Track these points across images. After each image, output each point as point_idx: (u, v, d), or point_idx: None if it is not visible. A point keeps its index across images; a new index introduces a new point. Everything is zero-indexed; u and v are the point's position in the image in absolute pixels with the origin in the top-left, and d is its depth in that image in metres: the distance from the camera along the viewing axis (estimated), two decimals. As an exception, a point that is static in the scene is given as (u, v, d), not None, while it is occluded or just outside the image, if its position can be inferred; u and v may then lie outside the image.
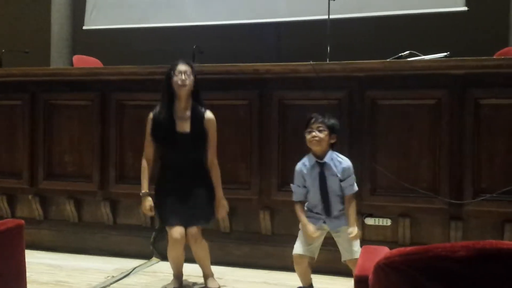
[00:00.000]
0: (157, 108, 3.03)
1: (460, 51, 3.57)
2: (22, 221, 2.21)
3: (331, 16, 4.15)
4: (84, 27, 6.21)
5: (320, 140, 2.75)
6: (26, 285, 2.26)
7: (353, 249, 2.75)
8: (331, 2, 4.13)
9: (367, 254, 1.61)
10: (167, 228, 3.00)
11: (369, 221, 3.38)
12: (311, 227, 2.75)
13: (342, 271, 3.07)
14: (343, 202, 2.79)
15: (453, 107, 3.26)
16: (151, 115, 3.05)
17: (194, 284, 3.23)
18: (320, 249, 2.85)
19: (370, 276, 1.35)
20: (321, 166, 2.78)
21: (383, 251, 1.56)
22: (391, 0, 5.20)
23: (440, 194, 3.25)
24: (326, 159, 2.77)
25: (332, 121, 2.80)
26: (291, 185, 2.90)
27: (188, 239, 2.98)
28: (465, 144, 3.24)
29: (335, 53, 3.91)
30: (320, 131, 2.75)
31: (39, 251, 3.87)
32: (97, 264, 3.67)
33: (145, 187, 3.04)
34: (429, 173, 3.28)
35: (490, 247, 1.21)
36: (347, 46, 4.51)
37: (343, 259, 2.81)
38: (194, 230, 2.97)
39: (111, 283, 3.28)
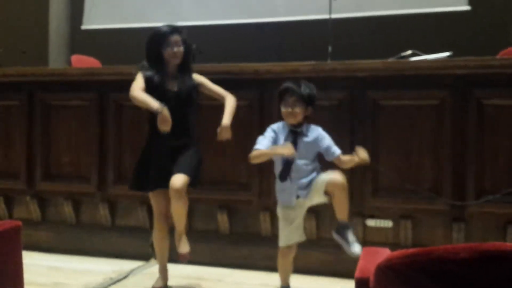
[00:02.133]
0: (146, 70, 2.94)
1: (463, 51, 3.53)
2: (19, 223, 2.18)
3: (333, 16, 4.12)
4: (82, 27, 6.19)
5: (296, 115, 2.69)
6: (23, 287, 2.23)
7: (329, 176, 2.65)
8: (332, 1, 4.10)
9: (368, 256, 1.57)
10: (151, 197, 2.94)
11: (371, 222, 3.34)
12: (279, 146, 2.66)
13: (341, 272, 3.02)
14: (309, 174, 2.70)
15: (456, 107, 3.22)
16: (141, 73, 2.93)
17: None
18: (318, 250, 2.81)
19: (371, 278, 1.32)
20: (296, 134, 2.72)
21: (384, 253, 1.52)
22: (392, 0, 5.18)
23: (442, 195, 3.20)
24: (302, 128, 2.72)
25: (308, 91, 2.70)
26: (259, 136, 2.77)
27: (172, 190, 2.79)
28: (468, 145, 3.20)
29: (337, 53, 3.88)
30: (296, 105, 2.67)
31: (36, 253, 3.84)
32: (95, 266, 3.63)
33: (154, 102, 2.78)
34: (431, 174, 3.24)
35: (493, 249, 1.18)
36: (349, 45, 4.48)
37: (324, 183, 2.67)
38: (179, 179, 2.79)
39: (109, 285, 3.25)
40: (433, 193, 3.21)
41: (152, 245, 3.69)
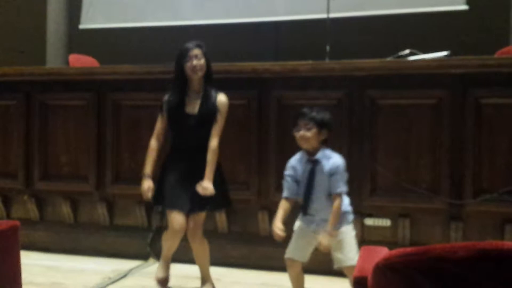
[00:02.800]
0: (170, 93, 2.99)
1: (460, 50, 3.54)
2: (18, 222, 2.17)
3: (331, 15, 4.12)
4: (80, 26, 6.17)
5: (308, 139, 2.63)
6: (21, 287, 2.22)
7: (346, 255, 2.61)
8: (330, 1, 4.10)
9: (366, 255, 1.57)
10: (168, 213, 2.94)
11: (369, 221, 3.34)
12: (278, 224, 2.62)
13: (340, 272, 3.01)
14: (330, 206, 2.62)
15: (453, 106, 3.22)
16: (166, 97, 3.00)
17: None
18: (317, 249, 2.78)
19: (369, 277, 1.32)
20: (313, 163, 2.66)
21: (383, 252, 1.52)
22: (390, -1, 5.18)
23: (440, 194, 3.21)
24: (318, 156, 2.65)
25: (321, 116, 2.64)
26: (283, 181, 2.75)
27: (188, 230, 2.90)
28: (465, 144, 3.20)
29: (335, 52, 3.88)
30: (308, 129, 2.61)
31: (34, 252, 3.83)
32: (93, 265, 3.63)
33: (147, 168, 2.97)
34: (429, 173, 3.25)
35: (490, 248, 1.18)
36: (347, 45, 4.49)
37: (335, 266, 2.67)
38: (195, 219, 2.89)
39: (108, 285, 3.24)
40: (431, 192, 3.21)
41: (150, 245, 3.70)
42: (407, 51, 3.63)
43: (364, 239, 3.32)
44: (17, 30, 6.51)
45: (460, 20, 4.90)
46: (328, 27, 4.05)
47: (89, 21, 6.10)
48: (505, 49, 3.77)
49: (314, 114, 2.63)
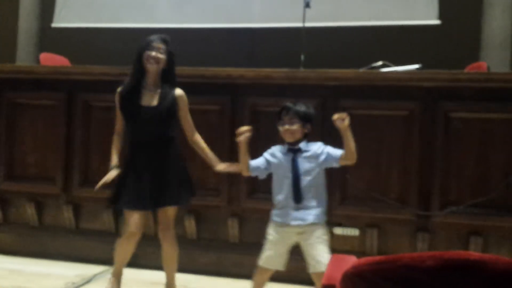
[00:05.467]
0: (125, 85, 2.92)
1: (432, 64, 3.60)
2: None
3: (306, 24, 4.14)
4: (52, 25, 6.06)
5: (293, 132, 2.66)
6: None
7: (320, 259, 2.63)
8: (306, 10, 4.13)
9: (335, 263, 1.57)
10: (125, 213, 2.84)
11: (338, 230, 3.36)
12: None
13: (307, 280, 3.01)
14: (315, 196, 2.66)
15: (424, 119, 3.28)
16: (119, 89, 2.93)
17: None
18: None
19: (338, 285, 1.31)
20: (294, 152, 2.68)
21: (351, 260, 1.52)
22: (366, 11, 5.25)
23: (409, 206, 3.25)
24: (300, 145, 2.69)
25: (304, 110, 2.69)
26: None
27: (159, 229, 2.83)
28: (434, 156, 3.26)
29: (309, 61, 3.90)
30: (292, 123, 2.66)
31: (-3, 255, 3.73)
32: (58, 270, 3.54)
33: (113, 159, 2.90)
34: (399, 184, 3.29)
35: (457, 257, 1.20)
36: (321, 54, 4.52)
37: (310, 270, 2.68)
38: (166, 214, 2.83)
39: (71, 290, 3.17)
40: (399, 203, 3.25)
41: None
42: (380, 63, 3.68)
43: (334, 248, 3.30)
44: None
45: (433, 34, 5.00)
46: (303, 36, 4.07)
47: (62, 20, 5.99)
48: (475, 64, 3.86)
49: (298, 108, 2.68)
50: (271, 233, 2.73)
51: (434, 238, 3.28)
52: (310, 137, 2.76)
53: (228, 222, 3.51)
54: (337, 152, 2.69)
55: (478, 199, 3.15)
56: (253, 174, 2.78)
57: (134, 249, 2.89)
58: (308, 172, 2.66)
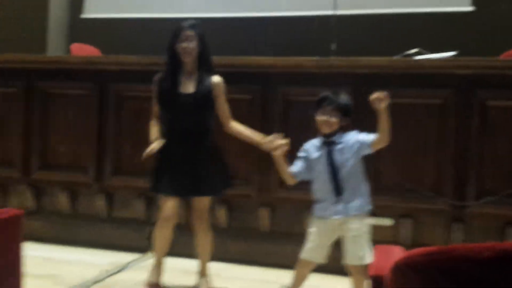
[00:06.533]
0: (162, 73, 2.91)
1: (468, 51, 3.52)
2: (22, 211, 2.13)
3: (337, 12, 4.09)
4: (82, 16, 6.10)
5: (332, 124, 2.63)
6: (21, 278, 2.18)
7: (360, 253, 2.60)
8: (337, -3, 4.07)
9: (380, 253, 1.55)
10: (160, 199, 2.86)
11: (370, 220, 3.32)
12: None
13: (339, 270, 2.97)
14: (355, 187, 2.63)
15: (459, 107, 3.21)
16: (156, 77, 2.92)
17: (184, 285, 3.14)
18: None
19: (387, 277, 1.29)
20: (329, 145, 2.65)
21: (397, 251, 1.50)
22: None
23: (444, 195, 3.20)
24: (334, 138, 2.65)
25: (345, 102, 2.66)
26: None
27: (194, 217, 2.85)
28: (470, 145, 3.19)
29: (340, 50, 3.85)
30: (332, 115, 2.61)
31: (31, 243, 3.77)
32: (91, 257, 3.59)
33: (153, 133, 2.90)
34: (433, 174, 3.24)
35: (512, 248, 1.16)
36: (353, 42, 4.45)
37: (347, 262, 2.65)
38: (201, 203, 2.84)
39: (105, 278, 3.21)
40: (434, 193, 3.20)
41: (149, 238, 3.65)
42: (414, 50, 3.61)
43: (366, 238, 3.31)
44: (18, 18, 6.41)
45: (468, 21, 4.88)
46: (334, 24, 4.02)
47: (92, 11, 6.03)
48: (511, 51, 3.76)
49: (339, 100, 2.64)
50: (313, 226, 2.70)
51: (469, 229, 3.22)
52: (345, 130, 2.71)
53: (259, 212, 3.50)
54: (369, 137, 2.65)
55: (515, 189, 3.09)
56: (298, 179, 2.73)
57: (172, 236, 2.89)
58: (344, 164, 2.63)
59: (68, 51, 5.05)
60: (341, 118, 2.64)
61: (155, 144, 2.85)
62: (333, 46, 3.90)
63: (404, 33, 4.78)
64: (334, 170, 2.62)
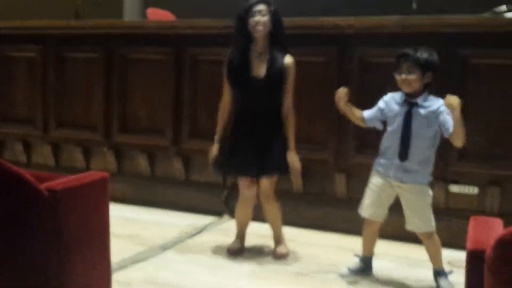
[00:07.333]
0: (232, 51, 2.87)
1: None
2: (107, 174, 2.19)
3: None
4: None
5: (411, 82, 2.47)
6: (109, 238, 2.27)
7: (417, 221, 2.52)
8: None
9: (478, 226, 1.45)
10: (238, 180, 2.92)
11: (454, 188, 3.18)
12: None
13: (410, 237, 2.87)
14: (421, 159, 2.49)
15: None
16: (228, 55, 2.90)
17: (260, 246, 3.17)
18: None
19: (488, 251, 1.21)
20: (411, 106, 2.51)
21: (497, 224, 1.40)
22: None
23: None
24: (418, 99, 2.50)
25: (426, 57, 2.47)
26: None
27: (260, 196, 2.89)
28: None
29: (421, 8, 3.63)
30: (410, 72, 2.46)
31: (112, 204, 3.91)
32: (170, 219, 3.69)
33: (218, 132, 2.97)
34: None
35: None
36: (434, 1, 4.18)
37: (410, 228, 2.57)
38: (266, 185, 2.85)
39: (186, 239, 3.28)
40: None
41: (225, 201, 3.70)
42: (503, 8, 3.34)
43: (448, 207, 3.18)
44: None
45: None
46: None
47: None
48: None
49: (418, 55, 2.47)
50: (372, 181, 2.64)
51: None
52: (431, 89, 2.57)
53: (335, 178, 3.44)
54: (449, 127, 2.44)
55: None
56: (369, 125, 2.68)
57: (251, 214, 2.98)
58: (419, 132, 2.49)
59: (143, 15, 5.11)
60: (423, 74, 2.47)
61: (213, 152, 2.94)
62: (414, 5, 3.67)
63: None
64: (407, 135, 2.49)
